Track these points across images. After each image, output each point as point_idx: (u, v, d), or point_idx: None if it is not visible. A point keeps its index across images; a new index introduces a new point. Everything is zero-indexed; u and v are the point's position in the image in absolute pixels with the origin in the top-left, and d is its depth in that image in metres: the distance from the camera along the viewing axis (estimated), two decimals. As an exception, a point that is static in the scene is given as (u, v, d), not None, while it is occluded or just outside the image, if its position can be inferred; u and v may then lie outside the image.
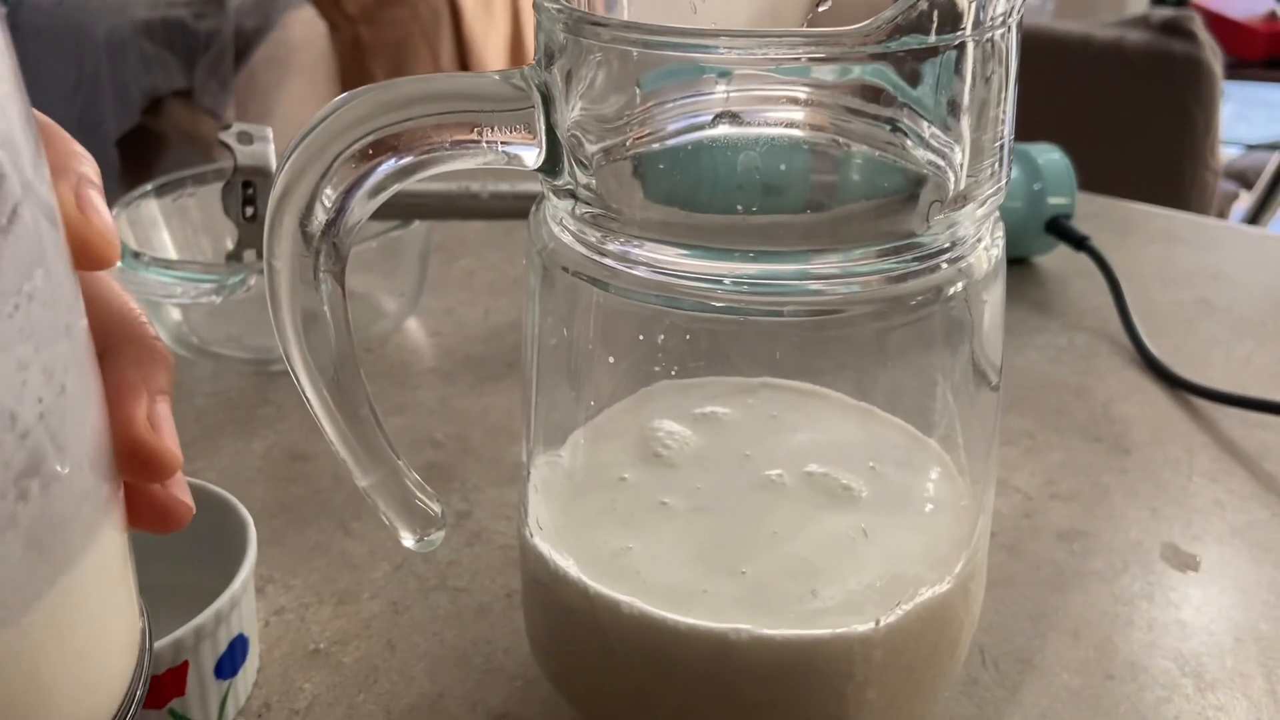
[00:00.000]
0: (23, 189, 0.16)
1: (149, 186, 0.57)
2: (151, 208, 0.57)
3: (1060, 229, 0.61)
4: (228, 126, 0.48)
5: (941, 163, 0.26)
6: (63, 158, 0.19)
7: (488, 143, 0.23)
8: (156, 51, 1.73)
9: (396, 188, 0.23)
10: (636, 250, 0.24)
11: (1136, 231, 0.70)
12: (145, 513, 0.20)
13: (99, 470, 0.19)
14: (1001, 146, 0.25)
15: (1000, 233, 0.27)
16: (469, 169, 0.24)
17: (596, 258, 0.25)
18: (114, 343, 0.20)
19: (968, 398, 0.29)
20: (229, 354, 0.54)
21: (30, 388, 0.16)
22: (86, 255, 0.18)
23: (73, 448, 0.18)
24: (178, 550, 0.38)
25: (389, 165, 0.23)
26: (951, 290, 0.25)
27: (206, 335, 0.54)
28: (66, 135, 0.19)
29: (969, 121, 0.25)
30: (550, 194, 0.26)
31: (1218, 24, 1.37)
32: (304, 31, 1.78)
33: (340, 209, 0.23)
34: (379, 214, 0.53)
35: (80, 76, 1.70)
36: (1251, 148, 1.73)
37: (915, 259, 0.24)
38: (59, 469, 0.17)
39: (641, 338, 0.27)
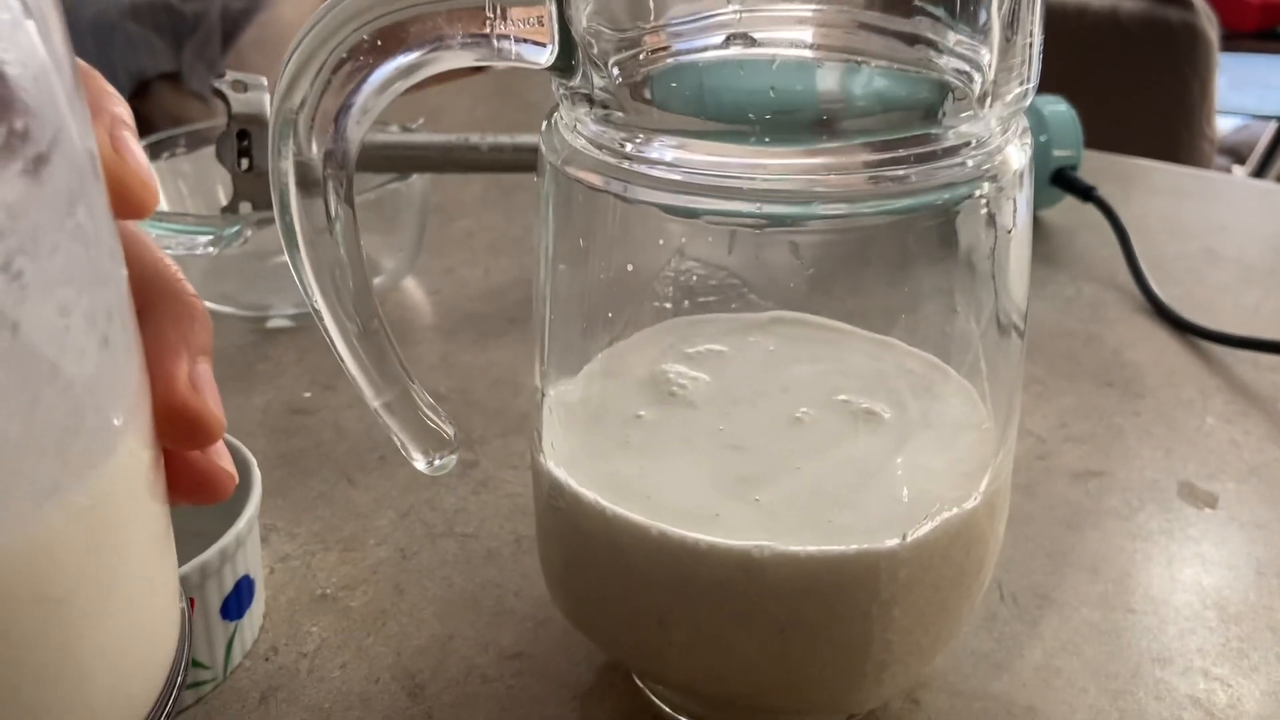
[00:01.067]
0: (67, 114, 0.15)
1: (141, 144, 0.56)
2: (144, 167, 0.56)
3: (1067, 180, 0.60)
4: (222, 75, 0.47)
5: (966, 67, 0.25)
6: (95, 96, 0.17)
7: (499, 36, 0.22)
8: (143, 34, 1.72)
9: (403, 84, 0.22)
10: (655, 151, 0.23)
11: (1141, 186, 0.70)
12: (184, 482, 0.19)
13: (141, 435, 0.17)
14: (1030, 45, 0.24)
15: (1029, 139, 0.26)
16: (476, 66, 0.23)
17: (614, 161, 0.24)
18: (149, 299, 0.18)
19: (991, 323, 0.28)
20: (225, 311, 0.53)
21: (73, 336, 0.15)
22: (124, 199, 0.17)
23: (115, 409, 0.16)
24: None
25: (396, 60, 0.22)
26: (978, 191, 0.24)
27: (202, 292, 0.53)
28: (97, 74, 0.18)
29: (999, 20, 0.24)
30: (565, 99, 0.25)
31: (1211, -5, 1.37)
32: (293, 12, 1.76)
33: (345, 106, 0.22)
34: (377, 166, 0.52)
35: (66, 60, 1.68)
36: (1256, 118, 1.73)
37: (942, 151, 0.23)
38: (101, 431, 0.16)
39: (661, 242, 0.26)
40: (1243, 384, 0.48)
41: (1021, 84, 0.25)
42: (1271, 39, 1.82)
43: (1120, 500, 0.41)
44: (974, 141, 0.24)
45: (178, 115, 1.73)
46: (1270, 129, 1.68)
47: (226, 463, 0.20)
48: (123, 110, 0.18)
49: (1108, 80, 1.29)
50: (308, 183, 0.22)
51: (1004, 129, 0.25)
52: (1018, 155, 0.25)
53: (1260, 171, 1.65)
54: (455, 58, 0.22)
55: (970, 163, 0.24)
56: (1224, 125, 1.76)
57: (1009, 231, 0.26)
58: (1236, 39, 1.70)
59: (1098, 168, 0.70)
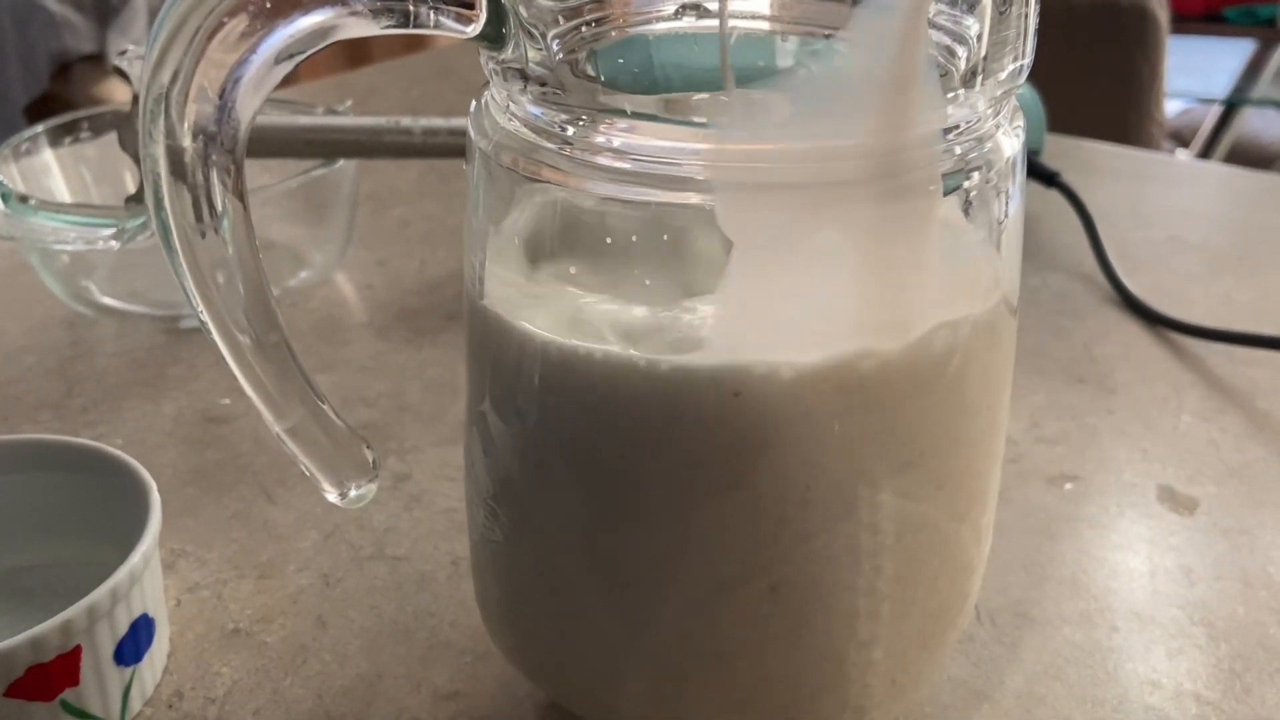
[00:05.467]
0: None
1: (39, 129, 0.51)
2: (44, 154, 0.52)
3: (1030, 166, 0.58)
4: (124, 52, 0.43)
5: (948, 40, 0.22)
6: None
7: None
8: (64, 13, 1.64)
9: (303, 55, 0.19)
10: (600, 136, 0.20)
11: (1103, 171, 0.68)
12: None
13: None
14: (1026, 16, 0.22)
15: (1020, 121, 0.23)
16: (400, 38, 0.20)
17: (554, 147, 0.21)
18: None
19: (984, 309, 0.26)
20: (134, 310, 0.48)
21: None
22: None
23: None
24: (73, 523, 0.33)
25: (294, 23, 0.18)
26: (966, 182, 0.22)
27: (109, 291, 0.49)
28: None
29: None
30: (496, 75, 0.22)
31: (1158, -23, 1.36)
32: (223, -10, 1.69)
33: (232, 80, 0.18)
34: (300, 152, 0.48)
35: (-17, 40, 1.60)
36: (1201, 101, 1.73)
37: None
38: None
39: (609, 240, 0.22)
40: (1217, 379, 0.46)
41: (1016, 60, 0.22)
42: (1217, 21, 1.82)
43: (1098, 506, 0.38)
44: (961, 126, 0.21)
45: (101, 99, 1.66)
46: (1214, 112, 1.68)
47: None
48: None
49: (1056, 63, 1.28)
50: (184, 172, 0.19)
51: (995, 111, 0.22)
52: (1009, 142, 0.22)
53: (1204, 155, 1.65)
54: (362, 24, 0.19)
55: (957, 150, 0.21)
56: (1167, 108, 1.76)
57: (1000, 223, 0.23)
58: (1183, 21, 1.70)
59: (1059, 152, 0.68)
